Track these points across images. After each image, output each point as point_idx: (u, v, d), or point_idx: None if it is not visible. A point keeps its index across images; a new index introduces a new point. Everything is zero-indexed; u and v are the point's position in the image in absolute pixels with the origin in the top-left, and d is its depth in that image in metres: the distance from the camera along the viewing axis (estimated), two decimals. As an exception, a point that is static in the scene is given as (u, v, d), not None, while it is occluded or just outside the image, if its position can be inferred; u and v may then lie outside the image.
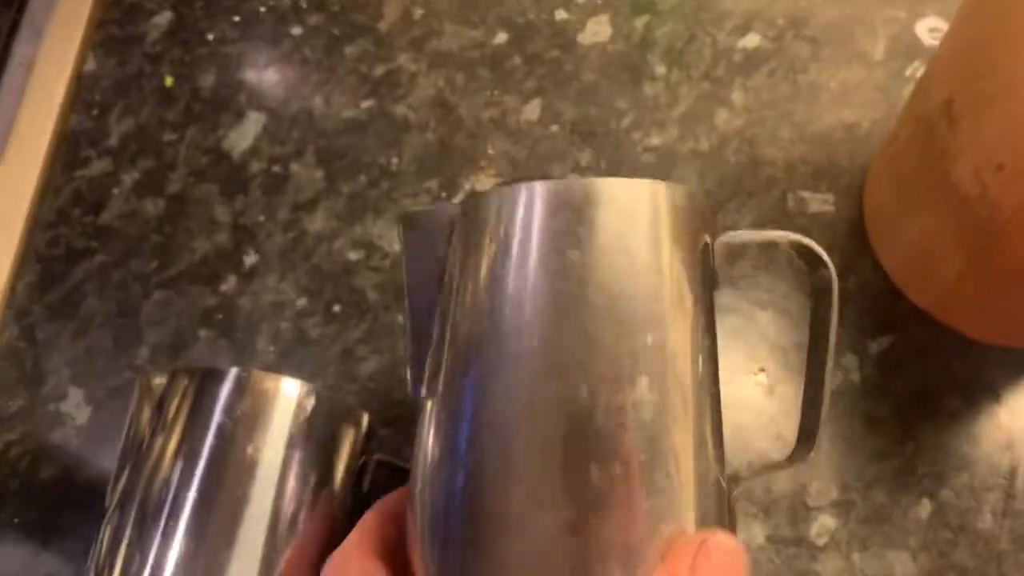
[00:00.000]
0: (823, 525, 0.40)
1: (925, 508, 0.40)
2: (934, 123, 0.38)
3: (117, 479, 0.36)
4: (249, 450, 0.34)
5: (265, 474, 0.34)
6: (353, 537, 0.28)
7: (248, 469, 0.34)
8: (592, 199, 0.25)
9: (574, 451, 0.23)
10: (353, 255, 0.47)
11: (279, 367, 0.44)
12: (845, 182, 0.47)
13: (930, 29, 0.51)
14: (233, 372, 0.35)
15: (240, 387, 0.35)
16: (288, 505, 0.34)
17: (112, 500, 0.35)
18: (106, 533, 0.34)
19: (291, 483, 0.34)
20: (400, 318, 0.45)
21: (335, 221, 0.48)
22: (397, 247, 0.47)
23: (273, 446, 0.34)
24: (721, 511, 0.25)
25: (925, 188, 0.40)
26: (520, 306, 0.25)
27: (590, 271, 0.24)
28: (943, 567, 0.39)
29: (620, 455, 0.23)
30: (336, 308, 0.45)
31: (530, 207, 0.25)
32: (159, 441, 0.35)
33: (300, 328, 0.45)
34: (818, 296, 0.28)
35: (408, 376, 0.28)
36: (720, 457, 0.26)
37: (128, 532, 0.33)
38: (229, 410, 0.34)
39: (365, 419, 0.37)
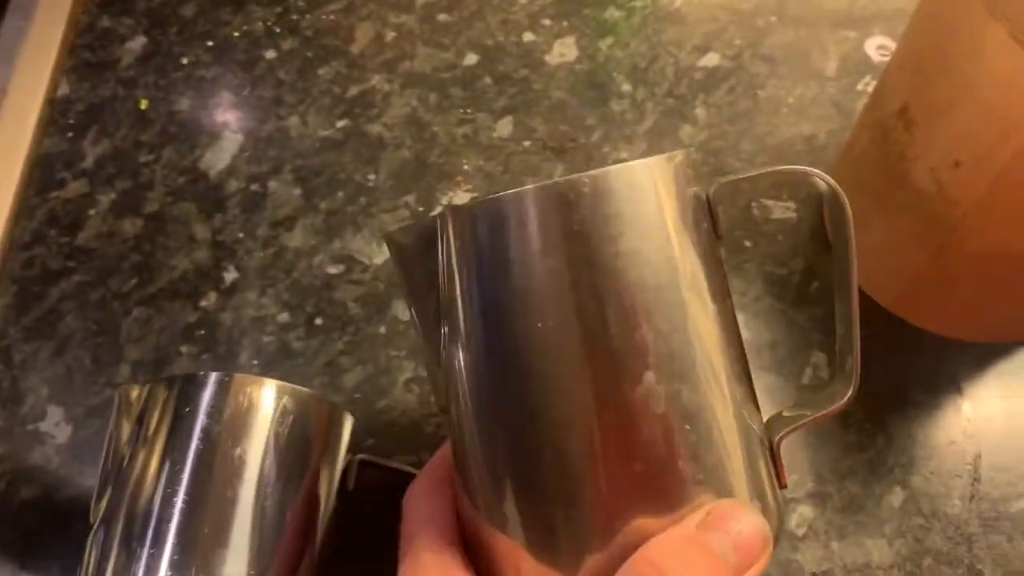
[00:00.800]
0: (802, 516, 0.41)
1: (897, 496, 0.41)
2: (891, 127, 0.40)
3: (101, 492, 0.35)
4: (237, 452, 0.34)
5: (253, 475, 0.33)
6: (423, 477, 0.30)
7: (236, 470, 0.33)
8: (593, 192, 0.24)
9: (619, 447, 0.23)
10: (333, 269, 0.47)
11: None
12: (806, 190, 0.49)
13: (878, 47, 0.54)
14: (214, 376, 0.34)
15: (223, 390, 0.34)
16: (275, 505, 0.34)
17: (97, 514, 0.35)
18: (93, 547, 0.34)
19: (278, 483, 0.34)
20: (382, 329, 0.45)
21: (314, 237, 0.48)
22: (377, 260, 0.47)
23: (259, 447, 0.34)
24: (767, 469, 0.26)
25: (885, 190, 0.42)
26: (542, 311, 0.24)
27: (605, 265, 0.24)
28: (918, 552, 0.40)
29: (664, 442, 0.23)
30: (318, 321, 0.46)
31: (525, 213, 0.24)
32: (143, 450, 0.34)
33: (283, 341, 0.45)
34: (835, 218, 0.28)
35: (432, 388, 0.28)
36: (755, 411, 0.26)
37: (116, 542, 0.33)
38: (213, 413, 0.34)
39: (349, 419, 0.38)
